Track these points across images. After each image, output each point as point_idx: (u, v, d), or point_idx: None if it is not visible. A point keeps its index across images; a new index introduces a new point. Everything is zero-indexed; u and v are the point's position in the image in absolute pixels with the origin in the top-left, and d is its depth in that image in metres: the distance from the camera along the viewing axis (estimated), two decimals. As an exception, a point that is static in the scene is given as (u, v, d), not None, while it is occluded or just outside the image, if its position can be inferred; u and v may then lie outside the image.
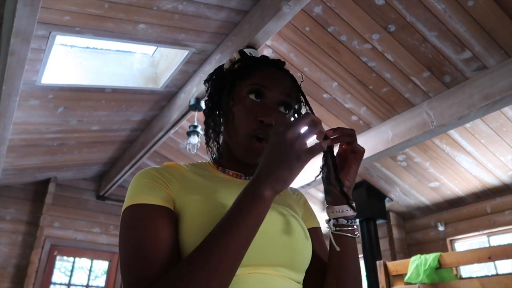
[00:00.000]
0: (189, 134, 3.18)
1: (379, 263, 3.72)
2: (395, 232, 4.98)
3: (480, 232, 4.37)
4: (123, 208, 0.68)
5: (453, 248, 4.62)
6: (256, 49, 2.47)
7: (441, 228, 4.66)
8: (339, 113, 3.40)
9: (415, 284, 3.35)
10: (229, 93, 0.81)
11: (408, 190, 4.54)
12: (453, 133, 3.47)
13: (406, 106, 3.13)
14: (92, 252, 5.28)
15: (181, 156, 4.61)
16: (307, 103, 0.83)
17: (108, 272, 5.33)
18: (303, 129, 0.60)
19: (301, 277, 0.73)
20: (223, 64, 0.88)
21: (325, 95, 3.26)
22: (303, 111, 0.84)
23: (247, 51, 0.94)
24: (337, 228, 0.73)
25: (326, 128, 0.65)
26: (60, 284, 5.07)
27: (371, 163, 4.10)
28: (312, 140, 0.60)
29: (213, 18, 2.57)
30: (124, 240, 0.64)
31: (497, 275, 3.56)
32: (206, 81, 0.88)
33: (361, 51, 2.80)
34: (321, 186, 0.81)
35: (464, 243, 4.63)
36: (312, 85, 3.16)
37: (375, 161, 4.03)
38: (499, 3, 2.29)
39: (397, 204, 4.85)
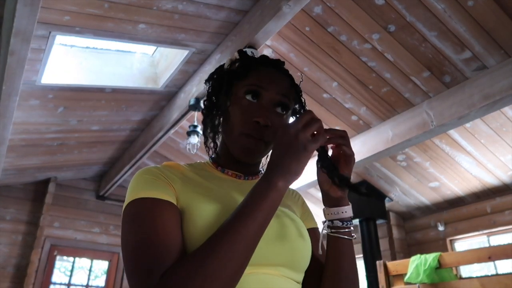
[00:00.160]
0: (189, 134, 3.18)
1: (379, 263, 3.72)
2: (395, 232, 4.98)
3: (480, 232, 4.37)
4: (125, 204, 0.67)
5: (453, 248, 4.62)
6: (256, 49, 2.47)
7: (441, 228, 4.66)
8: (339, 113, 3.40)
9: (415, 284, 3.35)
10: (226, 93, 0.81)
11: (408, 190, 4.54)
12: (453, 133, 3.47)
13: (406, 106, 3.13)
14: (92, 252, 5.28)
15: (181, 156, 4.61)
16: (303, 104, 0.83)
17: (108, 272, 5.33)
18: (306, 123, 0.63)
19: (300, 277, 0.73)
20: (224, 64, 0.88)
21: (325, 95, 3.26)
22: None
23: (248, 51, 0.95)
24: (333, 230, 0.73)
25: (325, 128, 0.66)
26: (60, 284, 5.07)
27: (371, 163, 4.10)
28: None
29: (213, 18, 2.57)
30: (129, 233, 0.62)
31: (497, 275, 3.56)
32: (207, 81, 0.89)
33: (361, 51, 2.80)
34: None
35: (464, 243, 4.63)
36: (312, 85, 3.16)
37: (375, 161, 4.03)
38: (499, 3, 2.29)
39: (397, 204, 4.85)
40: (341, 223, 0.73)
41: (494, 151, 3.64)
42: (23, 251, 4.72)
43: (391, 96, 3.10)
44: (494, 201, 4.27)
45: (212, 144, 0.83)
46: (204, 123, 0.85)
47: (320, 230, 0.76)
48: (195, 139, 3.15)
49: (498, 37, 2.47)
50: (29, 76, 2.76)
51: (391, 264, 3.71)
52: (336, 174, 0.69)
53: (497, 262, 4.00)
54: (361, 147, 3.43)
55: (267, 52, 2.97)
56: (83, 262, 5.34)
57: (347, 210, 0.73)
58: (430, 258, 3.31)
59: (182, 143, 4.33)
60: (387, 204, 4.80)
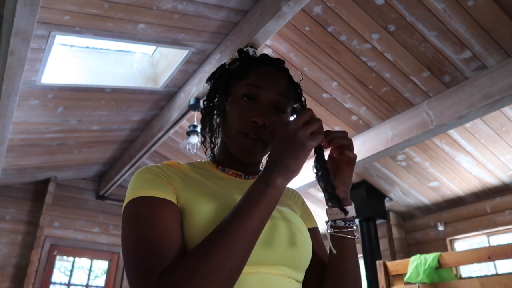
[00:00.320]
0: (188, 133, 3.18)
1: (378, 263, 3.72)
2: (395, 232, 4.98)
3: (480, 232, 4.37)
4: (125, 203, 0.67)
5: (453, 248, 4.62)
6: (256, 48, 2.47)
7: (441, 228, 4.66)
8: (339, 113, 3.40)
9: (414, 284, 3.35)
10: (225, 92, 0.81)
11: (407, 190, 4.54)
12: (453, 132, 3.47)
13: (406, 105, 3.13)
14: (92, 251, 5.28)
15: (180, 155, 4.61)
16: (302, 103, 0.83)
17: (108, 272, 5.33)
18: (305, 122, 0.63)
19: (301, 276, 0.73)
20: (225, 63, 0.88)
21: (325, 95, 3.26)
22: None
23: (250, 50, 0.95)
24: (336, 230, 0.73)
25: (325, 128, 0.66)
26: (60, 283, 5.07)
27: (370, 163, 4.10)
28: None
29: (213, 17, 2.57)
30: (129, 231, 0.62)
31: (497, 275, 3.56)
32: (208, 80, 0.89)
33: (361, 51, 2.80)
34: (321, 186, 0.82)
35: (464, 243, 4.63)
36: (312, 85, 3.16)
37: (375, 161, 4.03)
38: (499, 3, 2.29)
39: (397, 204, 4.85)
40: (344, 223, 0.73)
41: (494, 151, 3.64)
42: (23, 251, 4.72)
43: (391, 96, 3.10)
44: (494, 201, 4.26)
45: (210, 144, 0.83)
46: (202, 123, 0.85)
47: (325, 228, 0.76)
48: (195, 139, 3.15)
49: (497, 37, 2.47)
50: (29, 76, 2.76)
51: (391, 264, 3.71)
52: (326, 179, 0.69)
53: (497, 262, 4.00)
54: (361, 147, 3.43)
55: (267, 52, 2.97)
56: (83, 262, 5.34)
57: (350, 210, 0.73)
58: (430, 258, 3.31)
59: (182, 143, 4.33)
60: (387, 204, 4.80)
